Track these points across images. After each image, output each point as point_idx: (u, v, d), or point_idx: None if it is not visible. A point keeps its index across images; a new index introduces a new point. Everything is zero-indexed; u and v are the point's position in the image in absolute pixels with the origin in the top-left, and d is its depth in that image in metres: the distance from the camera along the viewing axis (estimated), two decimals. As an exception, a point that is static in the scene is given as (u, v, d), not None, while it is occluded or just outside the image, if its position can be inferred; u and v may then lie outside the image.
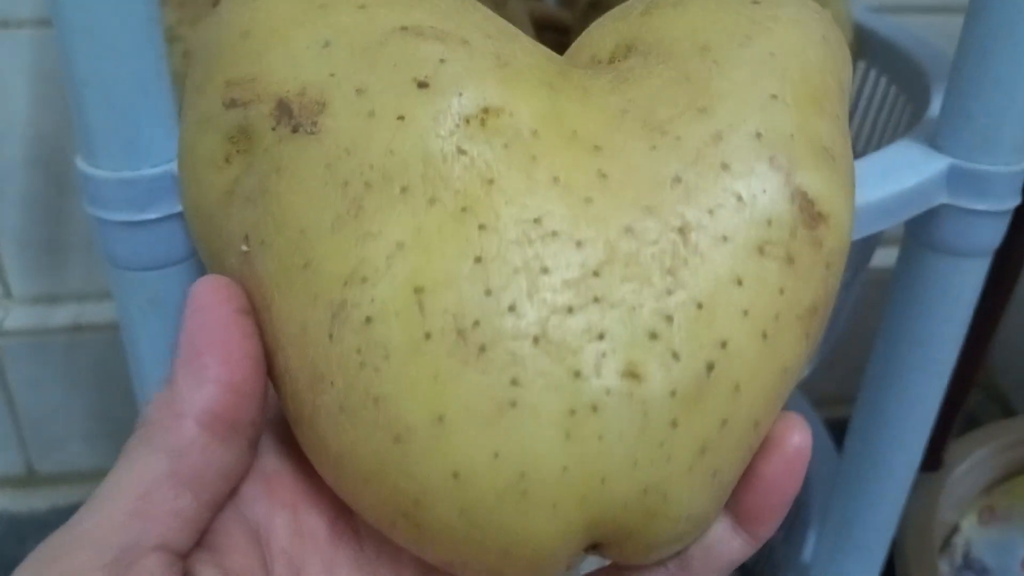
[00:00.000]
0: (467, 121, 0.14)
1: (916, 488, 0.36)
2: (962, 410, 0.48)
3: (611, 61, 0.17)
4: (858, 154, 0.40)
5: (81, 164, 0.25)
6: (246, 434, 0.15)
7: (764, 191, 0.15)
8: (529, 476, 0.13)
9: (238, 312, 0.15)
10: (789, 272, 0.15)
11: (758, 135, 0.15)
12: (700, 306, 0.14)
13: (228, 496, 0.16)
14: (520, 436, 0.13)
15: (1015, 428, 0.52)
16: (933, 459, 0.49)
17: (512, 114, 0.15)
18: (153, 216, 0.25)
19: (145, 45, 0.24)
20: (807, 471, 0.45)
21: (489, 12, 0.16)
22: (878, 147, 0.38)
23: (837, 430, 0.49)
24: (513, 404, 0.13)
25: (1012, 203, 0.28)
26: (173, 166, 0.25)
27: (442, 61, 0.15)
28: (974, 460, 0.51)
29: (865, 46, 0.40)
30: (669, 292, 0.14)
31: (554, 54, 0.17)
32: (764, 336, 0.14)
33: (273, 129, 0.15)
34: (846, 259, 0.16)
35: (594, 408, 0.13)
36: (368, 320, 0.14)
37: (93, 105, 0.24)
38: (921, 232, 0.29)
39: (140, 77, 0.24)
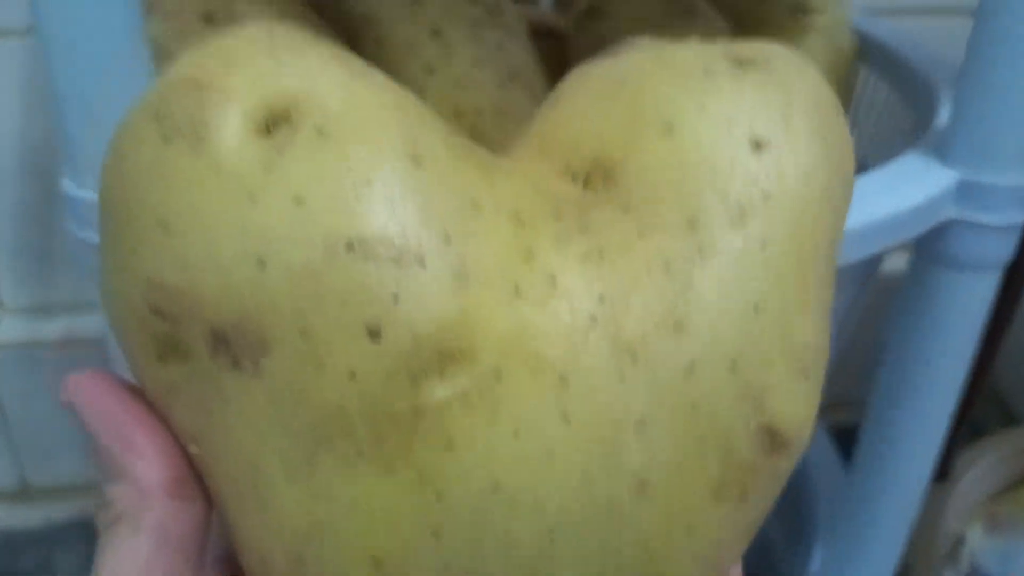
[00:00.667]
0: (424, 374, 0.13)
1: (922, 498, 0.36)
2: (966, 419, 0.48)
3: (587, 182, 0.15)
4: (860, 162, 0.39)
5: (67, 185, 0.24)
6: (202, 483, 0.16)
7: (729, 431, 0.14)
8: None
9: (138, 405, 0.15)
10: (741, 508, 0.14)
11: (734, 365, 0.14)
12: (650, 557, 0.14)
13: (205, 544, 0.16)
14: None
15: (1020, 437, 0.52)
16: (939, 469, 0.48)
17: (473, 356, 0.13)
18: (140, 237, 0.24)
19: (130, 61, 0.23)
20: (811, 482, 0.43)
21: (446, 145, 0.14)
22: (879, 153, 0.38)
23: (840, 436, 0.49)
24: None
25: (1022, 217, 0.27)
26: (160, 186, 0.24)
27: (395, 298, 0.13)
28: (979, 470, 0.50)
29: (866, 52, 0.39)
30: (620, 546, 0.14)
31: (520, 184, 0.15)
32: (706, 565, 0.14)
33: (210, 358, 0.13)
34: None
35: None
36: None
37: (77, 123, 0.23)
38: (930, 247, 0.28)
39: (125, 95, 0.23)
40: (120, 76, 0.23)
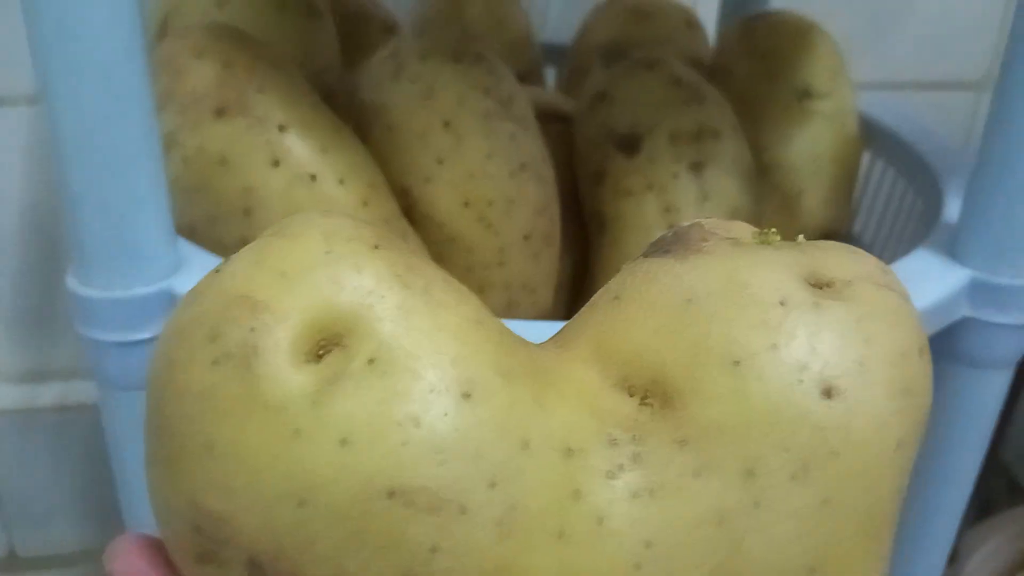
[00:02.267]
0: None
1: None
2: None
3: (643, 401, 0.14)
4: (868, 245, 0.40)
5: (72, 283, 0.24)
6: None
7: None
8: None
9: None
10: None
11: None
12: None
13: None
14: None
15: (1027, 514, 0.51)
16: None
17: None
18: (146, 335, 0.24)
19: (142, 154, 0.23)
20: None
21: (497, 365, 0.14)
22: (887, 237, 0.38)
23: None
24: None
25: (1036, 315, 0.27)
26: (168, 283, 0.24)
27: (433, 551, 0.12)
28: (986, 551, 0.49)
29: (871, 137, 0.39)
30: None
31: (571, 399, 0.14)
32: None
33: None
34: None
35: None
36: None
37: (87, 224, 0.23)
38: (941, 345, 0.28)
39: (136, 190, 0.23)
40: (131, 174, 0.23)
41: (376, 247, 0.14)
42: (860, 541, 0.14)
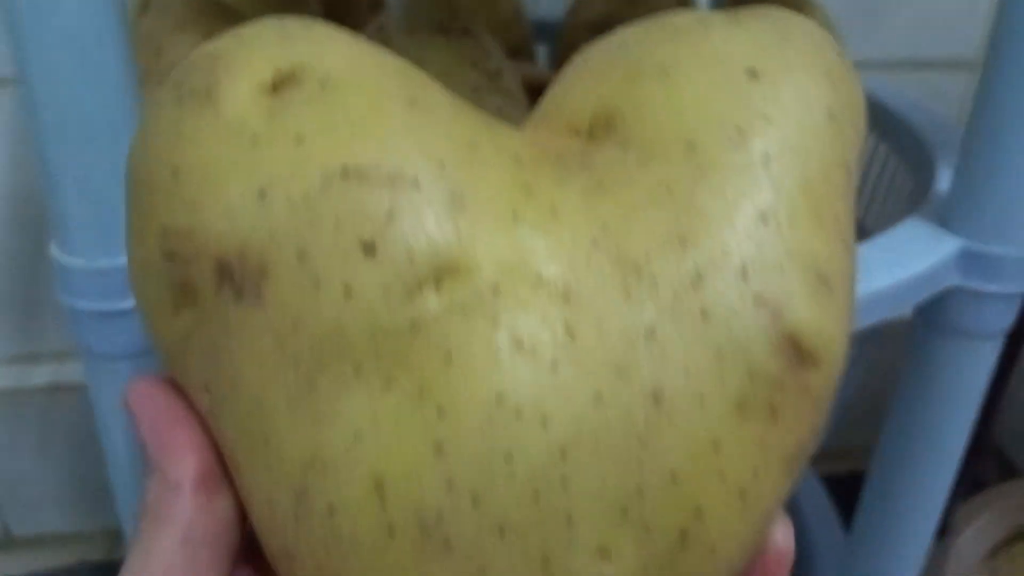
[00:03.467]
0: (420, 288, 0.13)
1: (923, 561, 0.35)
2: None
3: (590, 134, 0.15)
4: (859, 224, 0.39)
5: (56, 253, 0.24)
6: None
7: (747, 341, 0.13)
8: None
9: (180, 403, 0.16)
10: (771, 426, 0.14)
11: (743, 272, 0.14)
12: (674, 477, 0.13)
13: (237, 546, 0.16)
14: None
15: (1019, 491, 0.51)
16: (939, 526, 0.48)
17: (470, 271, 0.13)
18: (129, 305, 0.24)
19: (122, 132, 0.23)
20: (808, 539, 0.42)
21: (447, 99, 0.15)
22: (880, 216, 0.38)
23: (837, 486, 0.48)
24: None
25: (1024, 285, 0.27)
26: (152, 253, 0.24)
27: (389, 216, 0.13)
28: (978, 525, 0.49)
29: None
30: (641, 465, 0.13)
31: (521, 140, 0.15)
32: (742, 495, 0.14)
33: (216, 292, 0.14)
34: (837, 382, 0.15)
35: None
36: (331, 510, 0.13)
37: (68, 193, 0.23)
38: (931, 314, 0.28)
39: (117, 163, 0.23)
40: (111, 146, 0.23)
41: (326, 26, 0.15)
42: (807, 198, 0.14)
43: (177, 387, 0.16)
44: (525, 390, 0.13)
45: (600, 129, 0.15)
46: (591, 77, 0.16)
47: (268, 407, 0.14)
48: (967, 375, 0.28)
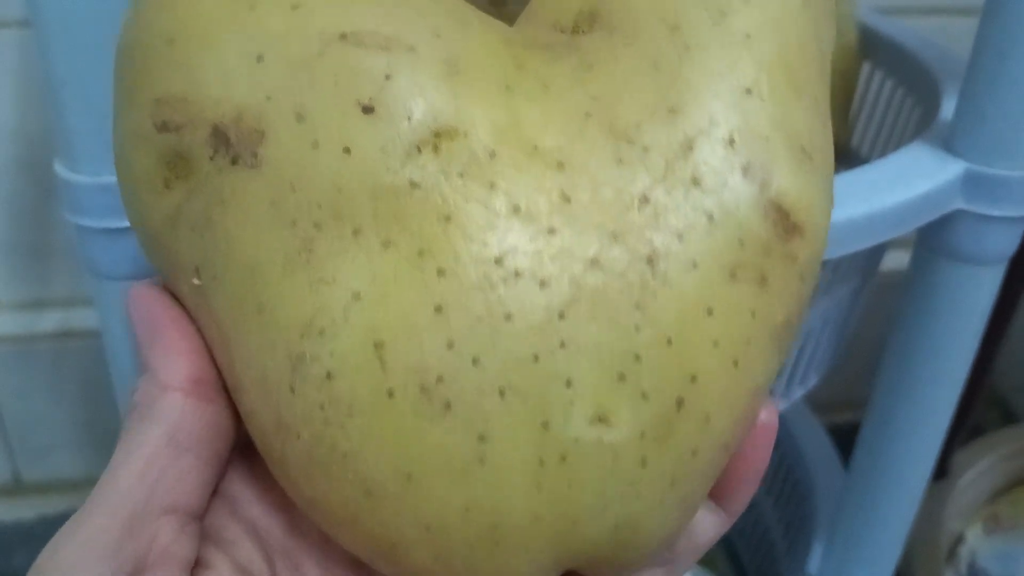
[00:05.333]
0: (418, 149, 0.13)
1: (921, 498, 0.35)
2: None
3: (575, 30, 0.15)
4: (866, 158, 0.39)
5: (60, 169, 0.24)
6: (227, 391, 0.16)
7: (737, 207, 0.14)
8: (501, 527, 0.13)
9: (178, 310, 0.16)
10: (761, 293, 0.14)
11: (731, 141, 0.14)
12: (669, 342, 0.13)
13: (226, 455, 0.16)
14: (490, 491, 0.13)
15: (1020, 436, 0.52)
16: (938, 468, 0.48)
17: (467, 134, 0.13)
18: (136, 223, 0.24)
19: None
20: (811, 481, 0.43)
21: None
22: (886, 150, 0.38)
23: (840, 435, 0.48)
24: (481, 460, 0.13)
25: (1029, 209, 0.27)
26: (157, 171, 0.24)
27: (387, 77, 0.13)
28: (979, 469, 0.50)
29: (871, 47, 0.39)
30: (637, 329, 0.13)
31: (510, 31, 0.16)
32: (735, 363, 0.14)
33: (211, 159, 0.14)
34: (821, 262, 0.15)
35: (563, 458, 0.13)
36: (329, 376, 0.13)
37: (72, 108, 0.23)
38: (934, 239, 0.28)
39: (122, 78, 0.23)
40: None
41: None
42: (786, 72, 0.15)
43: (176, 299, 0.16)
44: (523, 253, 0.13)
45: (584, 23, 0.15)
46: None
47: (263, 273, 0.14)
48: (969, 301, 0.28)
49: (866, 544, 0.36)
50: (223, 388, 0.16)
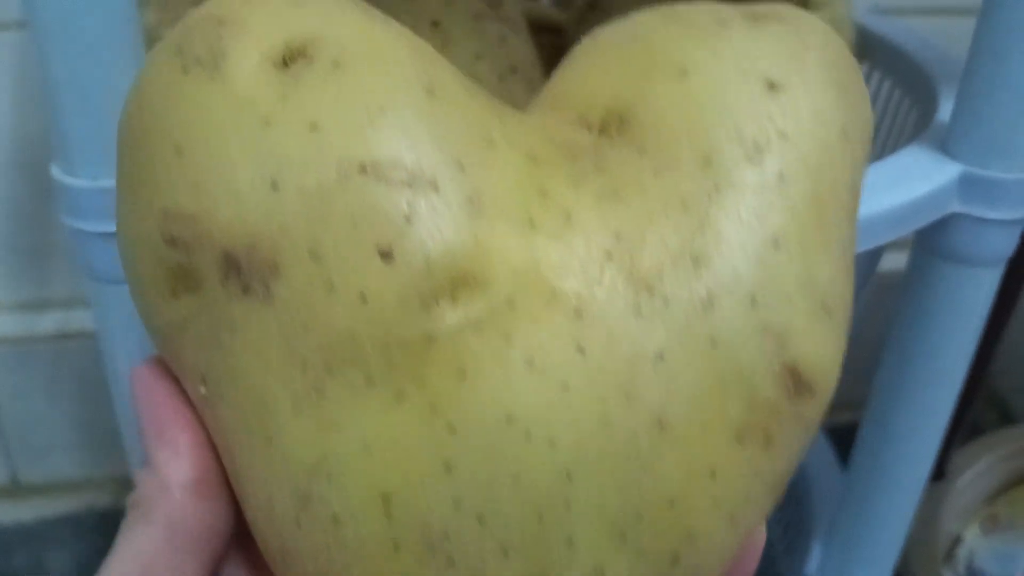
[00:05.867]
0: (436, 299, 0.13)
1: (921, 498, 0.35)
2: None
3: (602, 130, 0.15)
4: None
5: (57, 173, 0.24)
6: (229, 487, 0.16)
7: (752, 372, 0.14)
8: None
9: (182, 399, 0.16)
10: (766, 453, 0.14)
11: (753, 299, 0.14)
12: (672, 503, 0.13)
13: (224, 552, 0.16)
14: None
15: (1018, 437, 0.52)
16: (936, 469, 0.48)
17: (486, 283, 0.13)
18: (133, 227, 0.24)
19: (125, 46, 0.23)
20: (809, 481, 0.43)
21: (461, 85, 0.14)
22: (883, 152, 0.38)
23: (838, 436, 0.48)
24: None
25: (1026, 211, 0.27)
26: (154, 174, 0.24)
27: (408, 220, 0.13)
28: (977, 469, 0.50)
29: (868, 48, 0.39)
30: (642, 491, 0.13)
31: (534, 131, 0.15)
32: (732, 519, 0.14)
33: (221, 283, 0.13)
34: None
35: None
36: (335, 520, 0.13)
37: (70, 110, 0.23)
38: (932, 241, 0.28)
39: (120, 80, 0.23)
40: (113, 63, 0.23)
41: None
42: (818, 221, 0.14)
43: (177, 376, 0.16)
44: (535, 411, 0.13)
45: (613, 126, 0.15)
46: (603, 67, 0.16)
47: (272, 406, 0.13)
48: (966, 303, 0.28)
49: (865, 545, 0.36)
50: (225, 481, 0.15)
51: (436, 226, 0.13)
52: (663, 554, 0.13)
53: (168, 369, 0.16)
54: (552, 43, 0.38)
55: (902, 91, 0.37)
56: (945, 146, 0.27)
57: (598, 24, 0.35)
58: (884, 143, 0.38)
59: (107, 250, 0.25)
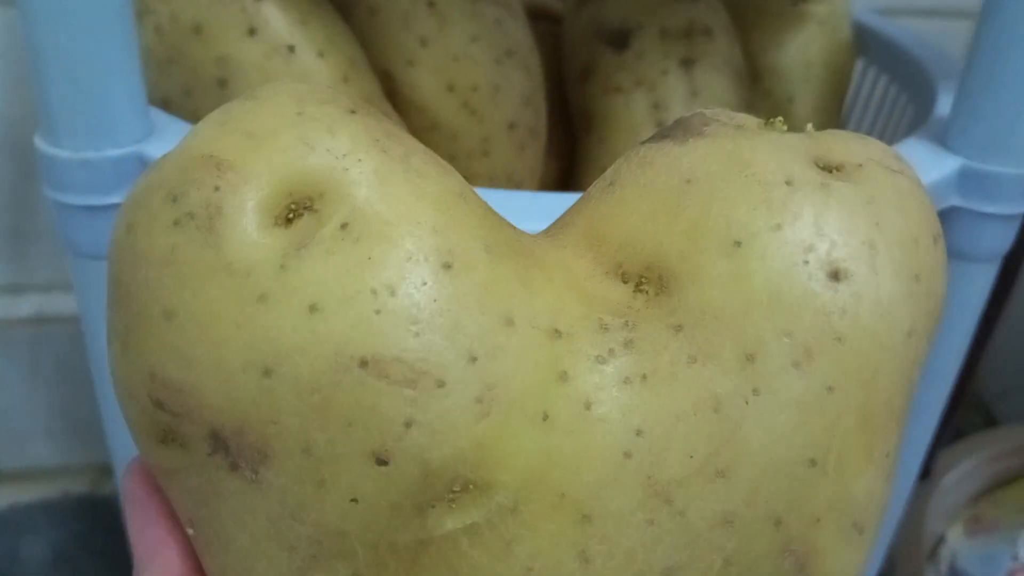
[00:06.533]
0: (432, 506, 0.12)
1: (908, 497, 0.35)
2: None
3: (637, 287, 0.13)
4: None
5: (40, 143, 0.23)
6: None
7: None
8: None
9: (173, 521, 0.15)
10: None
11: (778, 522, 0.12)
12: None
13: None
14: None
15: (1002, 438, 0.52)
16: (921, 469, 0.48)
17: (488, 488, 0.12)
18: (117, 200, 0.23)
19: (113, 17, 0.22)
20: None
21: (483, 244, 0.13)
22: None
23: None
24: None
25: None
26: (140, 147, 0.23)
27: (407, 425, 0.12)
28: (961, 470, 0.50)
29: (865, 44, 0.39)
30: None
31: (560, 289, 0.13)
32: None
33: (208, 455, 0.13)
34: None
35: None
36: None
37: (55, 80, 0.22)
38: (928, 235, 0.28)
39: (107, 51, 0.22)
40: (99, 31, 0.22)
41: (353, 112, 0.13)
42: (864, 435, 0.13)
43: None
44: None
45: (651, 285, 0.13)
46: (651, 207, 0.14)
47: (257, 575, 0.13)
48: (962, 298, 0.28)
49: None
50: None
51: (438, 431, 0.12)
52: None
53: (156, 485, 0.15)
54: (549, 31, 0.37)
55: (898, 87, 0.37)
56: (944, 140, 0.27)
57: (595, 13, 0.34)
58: (880, 138, 0.37)
59: (90, 224, 0.24)
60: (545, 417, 0.12)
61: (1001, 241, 0.27)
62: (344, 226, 0.12)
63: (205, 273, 0.12)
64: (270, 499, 0.12)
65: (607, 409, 0.12)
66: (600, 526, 0.12)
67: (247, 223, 0.12)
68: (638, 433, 0.12)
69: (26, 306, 0.55)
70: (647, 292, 0.13)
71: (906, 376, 0.13)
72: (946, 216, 0.27)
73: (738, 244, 0.13)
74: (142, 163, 0.23)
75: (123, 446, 0.29)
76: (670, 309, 0.13)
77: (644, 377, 0.13)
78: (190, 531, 0.14)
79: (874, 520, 0.13)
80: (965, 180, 0.26)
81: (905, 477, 0.34)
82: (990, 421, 0.62)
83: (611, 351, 0.13)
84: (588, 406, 0.12)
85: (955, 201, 0.26)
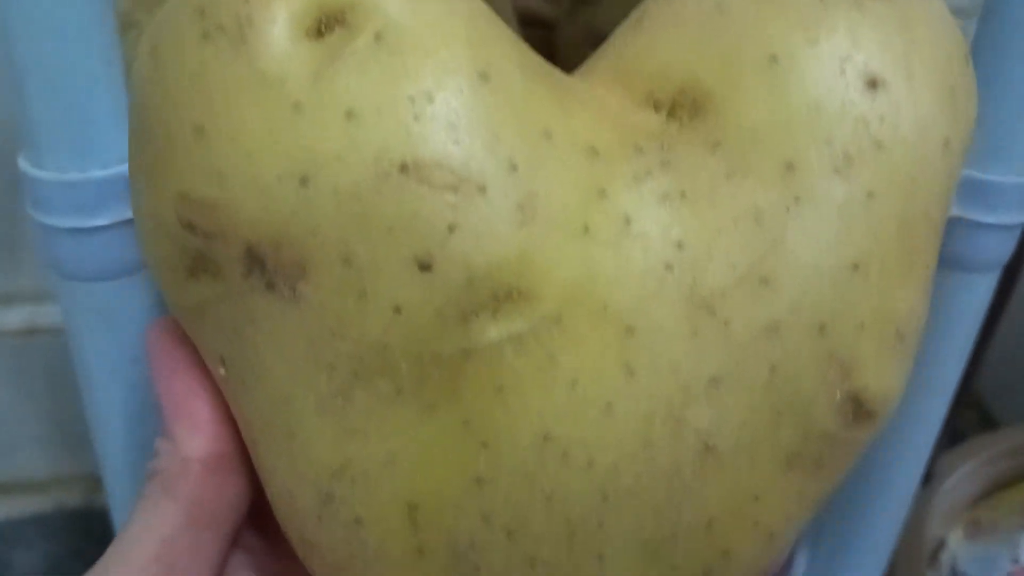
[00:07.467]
0: (476, 314, 0.12)
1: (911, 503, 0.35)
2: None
3: (671, 112, 0.13)
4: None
5: (24, 164, 0.23)
6: (247, 460, 0.15)
7: (811, 403, 0.13)
8: None
9: (200, 369, 0.15)
10: (814, 478, 0.13)
11: (821, 328, 0.12)
12: (710, 525, 0.13)
13: (242, 523, 0.16)
14: None
15: (1001, 441, 0.52)
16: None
17: (532, 297, 0.12)
18: (102, 222, 0.23)
19: (96, 33, 0.22)
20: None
21: (518, 63, 0.13)
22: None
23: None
24: None
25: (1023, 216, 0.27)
26: (125, 168, 0.23)
27: (451, 229, 0.12)
28: (961, 474, 0.50)
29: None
30: (679, 512, 0.12)
31: (594, 113, 0.13)
32: (771, 537, 0.13)
33: (244, 276, 0.12)
34: None
35: None
36: (358, 521, 0.13)
37: (37, 99, 0.22)
38: (928, 246, 0.28)
39: (89, 67, 0.22)
40: (84, 48, 0.22)
41: None
42: (903, 241, 0.13)
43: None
44: (574, 432, 0.12)
45: (685, 110, 0.13)
46: (681, 36, 0.14)
47: (295, 405, 0.13)
48: (962, 307, 0.28)
49: (853, 552, 0.35)
50: (244, 454, 0.15)
51: (481, 236, 0.12)
52: (695, 569, 0.13)
53: (183, 332, 0.15)
54: (542, 37, 0.37)
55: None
56: (944, 149, 0.26)
57: (588, 19, 0.34)
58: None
59: (76, 246, 0.23)
60: (586, 230, 0.12)
61: (1001, 251, 0.27)
62: (378, 37, 0.12)
63: (236, 85, 0.12)
64: (308, 317, 0.12)
65: (647, 224, 0.13)
66: (643, 338, 0.12)
67: (279, 34, 0.12)
68: (679, 246, 0.13)
69: (16, 317, 0.54)
70: (680, 119, 0.13)
71: (943, 187, 0.14)
72: (946, 226, 0.27)
73: (774, 59, 0.13)
74: (127, 184, 0.23)
75: (113, 459, 0.29)
76: (706, 130, 0.13)
77: (683, 194, 0.13)
78: (221, 371, 0.14)
79: (915, 332, 0.14)
80: (965, 190, 0.26)
81: (908, 484, 0.33)
82: (989, 421, 0.62)
83: (648, 172, 0.13)
84: (628, 221, 0.13)
85: (955, 211, 0.26)
